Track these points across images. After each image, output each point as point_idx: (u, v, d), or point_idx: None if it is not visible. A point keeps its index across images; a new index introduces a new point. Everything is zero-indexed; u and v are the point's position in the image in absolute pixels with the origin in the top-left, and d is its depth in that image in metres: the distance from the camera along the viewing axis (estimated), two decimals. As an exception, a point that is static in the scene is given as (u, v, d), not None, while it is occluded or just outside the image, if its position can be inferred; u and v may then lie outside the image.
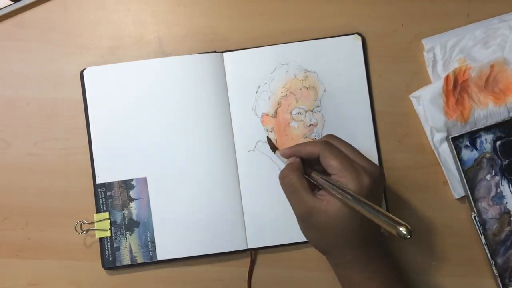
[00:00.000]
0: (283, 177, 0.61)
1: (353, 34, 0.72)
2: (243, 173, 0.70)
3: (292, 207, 0.60)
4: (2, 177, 0.71)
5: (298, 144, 0.63)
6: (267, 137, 0.71)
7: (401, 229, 0.46)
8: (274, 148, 0.70)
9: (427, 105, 0.69)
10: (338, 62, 0.71)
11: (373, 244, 0.62)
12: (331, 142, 0.61)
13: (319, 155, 0.59)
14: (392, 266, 0.64)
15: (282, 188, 0.61)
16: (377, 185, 0.58)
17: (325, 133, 0.70)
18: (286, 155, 0.64)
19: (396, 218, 0.48)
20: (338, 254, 0.61)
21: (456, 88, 0.70)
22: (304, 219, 0.59)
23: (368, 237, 0.60)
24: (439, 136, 0.70)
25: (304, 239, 0.69)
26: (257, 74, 0.71)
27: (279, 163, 0.70)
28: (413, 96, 0.71)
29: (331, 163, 0.58)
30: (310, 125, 0.71)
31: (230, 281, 0.71)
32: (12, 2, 0.71)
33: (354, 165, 0.58)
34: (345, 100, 0.71)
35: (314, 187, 0.60)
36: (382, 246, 0.64)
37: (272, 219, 0.70)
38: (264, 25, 0.72)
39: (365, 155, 0.69)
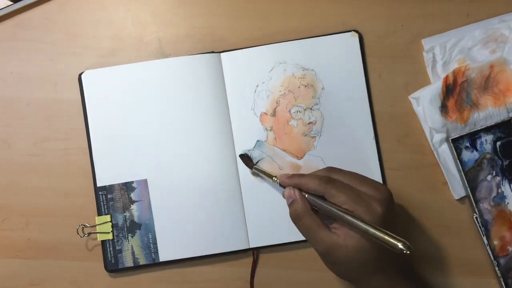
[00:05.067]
0: (297, 219, 0.60)
1: (350, 31, 0.72)
2: (243, 172, 0.70)
3: (312, 245, 0.60)
4: (2, 177, 0.71)
5: (298, 177, 0.62)
6: (240, 155, 0.71)
7: (400, 245, 0.51)
8: (248, 162, 0.70)
9: (427, 106, 0.69)
10: (335, 59, 0.71)
11: (397, 267, 0.61)
12: (333, 177, 0.60)
13: (323, 194, 0.59)
14: (417, 286, 0.64)
15: (298, 228, 0.61)
16: (389, 208, 0.58)
17: (325, 131, 0.70)
18: (284, 184, 0.63)
19: (394, 235, 0.52)
20: (363, 282, 0.60)
21: (456, 89, 0.70)
22: (325, 255, 0.59)
23: (390, 262, 0.60)
24: (438, 136, 0.70)
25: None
26: (255, 74, 0.71)
27: (279, 162, 0.70)
28: (412, 97, 0.71)
29: (340, 200, 0.57)
30: (309, 123, 0.71)
31: (232, 281, 0.71)
32: (12, 3, 0.72)
33: (362, 196, 0.57)
34: (344, 97, 0.71)
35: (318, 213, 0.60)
36: (408, 267, 0.64)
37: (273, 218, 0.70)
38: (264, 25, 0.72)
39: (364, 155, 0.70)
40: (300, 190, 0.61)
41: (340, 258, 0.57)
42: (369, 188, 0.58)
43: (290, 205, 0.61)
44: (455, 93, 0.70)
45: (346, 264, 0.58)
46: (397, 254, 0.53)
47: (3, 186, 0.71)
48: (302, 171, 0.70)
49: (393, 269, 0.61)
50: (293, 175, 0.62)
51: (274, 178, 0.65)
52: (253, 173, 0.70)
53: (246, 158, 0.70)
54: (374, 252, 0.56)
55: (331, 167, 0.62)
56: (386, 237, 0.52)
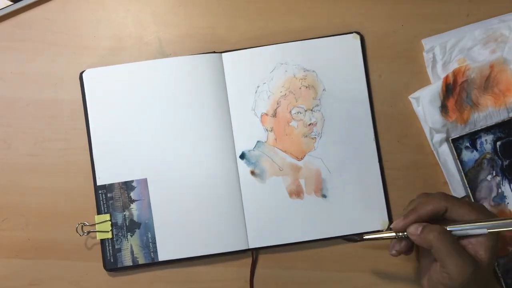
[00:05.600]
0: (438, 239, 0.56)
1: (352, 33, 0.72)
2: (243, 172, 0.70)
3: (454, 269, 0.56)
4: (2, 177, 0.71)
5: (413, 209, 0.59)
6: (347, 237, 0.66)
7: None
8: (356, 238, 0.65)
9: (426, 106, 0.69)
10: (337, 61, 0.71)
11: None
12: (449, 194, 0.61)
13: (444, 210, 0.58)
14: None
15: (441, 249, 0.56)
16: None
17: (325, 132, 0.70)
18: (403, 228, 0.60)
19: None
20: None
21: (456, 89, 0.70)
22: (471, 277, 0.55)
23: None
24: (438, 137, 0.70)
25: (307, 239, 0.69)
26: (256, 74, 0.71)
27: (279, 163, 0.70)
28: (412, 97, 0.71)
29: (465, 211, 0.57)
30: (309, 124, 0.71)
31: (232, 281, 0.70)
32: (12, 3, 0.72)
33: (483, 208, 0.59)
34: (345, 99, 0.71)
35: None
36: None
37: (273, 219, 0.70)
38: (265, 25, 0.72)
39: (364, 155, 0.70)
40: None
41: (480, 277, 0.56)
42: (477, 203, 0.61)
43: (420, 235, 0.58)
44: (455, 93, 0.70)
45: (480, 281, 0.57)
46: None
47: (3, 186, 0.71)
48: (302, 172, 0.70)
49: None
50: (406, 215, 0.60)
51: (390, 233, 0.62)
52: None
53: (349, 238, 0.66)
54: (493, 264, 0.58)
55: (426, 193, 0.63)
56: None
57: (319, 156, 0.70)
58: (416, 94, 0.71)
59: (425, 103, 0.69)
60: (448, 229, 0.57)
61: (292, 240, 0.69)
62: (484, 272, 0.56)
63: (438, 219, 0.59)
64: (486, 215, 0.58)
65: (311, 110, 0.71)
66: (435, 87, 0.69)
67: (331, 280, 0.70)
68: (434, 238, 0.56)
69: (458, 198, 0.60)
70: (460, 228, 0.57)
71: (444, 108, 0.69)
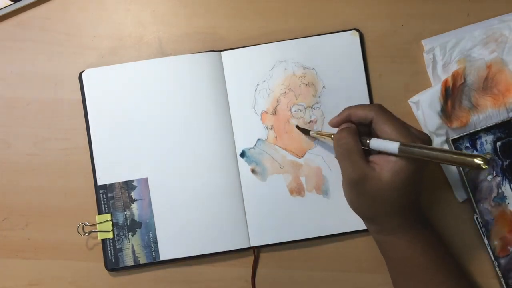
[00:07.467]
0: (340, 139, 0.60)
1: (351, 30, 0.72)
2: (244, 171, 0.70)
3: (344, 171, 0.60)
4: (2, 177, 0.71)
5: (348, 108, 0.62)
6: (296, 125, 0.71)
7: (477, 161, 0.49)
8: (305, 131, 0.70)
9: (426, 111, 0.69)
10: (336, 58, 0.71)
11: (416, 210, 0.63)
12: (383, 107, 0.60)
13: (371, 120, 0.59)
14: (432, 231, 0.64)
15: (336, 150, 0.61)
16: None
17: (326, 129, 0.70)
18: (336, 124, 0.63)
19: (468, 152, 0.52)
20: (384, 221, 0.61)
21: (455, 92, 0.70)
22: (355, 185, 0.58)
23: (412, 204, 0.61)
24: (439, 140, 0.69)
25: (308, 236, 0.69)
26: (255, 72, 0.71)
27: (279, 160, 0.70)
28: (411, 101, 0.71)
29: (387, 129, 0.57)
30: (309, 121, 0.71)
31: (233, 281, 0.70)
32: (12, 2, 0.72)
33: (410, 130, 0.58)
34: (345, 96, 0.71)
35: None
36: (422, 212, 0.65)
37: (274, 216, 0.70)
38: (264, 24, 0.72)
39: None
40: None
41: (370, 190, 0.58)
42: (414, 128, 0.59)
43: (338, 131, 0.62)
44: (454, 97, 0.69)
45: (374, 197, 0.58)
46: (418, 196, 0.60)
47: (3, 186, 0.71)
48: (303, 170, 0.70)
49: (413, 210, 0.62)
50: (340, 113, 0.63)
51: (329, 133, 0.65)
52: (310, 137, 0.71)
53: (302, 129, 0.70)
54: (403, 189, 0.57)
55: (378, 103, 0.62)
56: (462, 157, 0.50)
57: (319, 154, 0.70)
58: (415, 98, 0.71)
59: (424, 108, 0.69)
60: (365, 139, 0.59)
61: (293, 238, 0.69)
62: (383, 192, 0.57)
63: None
64: (407, 139, 0.57)
65: (311, 107, 0.71)
66: (435, 91, 0.69)
67: (331, 280, 0.70)
68: (341, 136, 0.60)
69: (391, 114, 0.60)
70: (372, 141, 0.59)
71: (444, 113, 0.69)
